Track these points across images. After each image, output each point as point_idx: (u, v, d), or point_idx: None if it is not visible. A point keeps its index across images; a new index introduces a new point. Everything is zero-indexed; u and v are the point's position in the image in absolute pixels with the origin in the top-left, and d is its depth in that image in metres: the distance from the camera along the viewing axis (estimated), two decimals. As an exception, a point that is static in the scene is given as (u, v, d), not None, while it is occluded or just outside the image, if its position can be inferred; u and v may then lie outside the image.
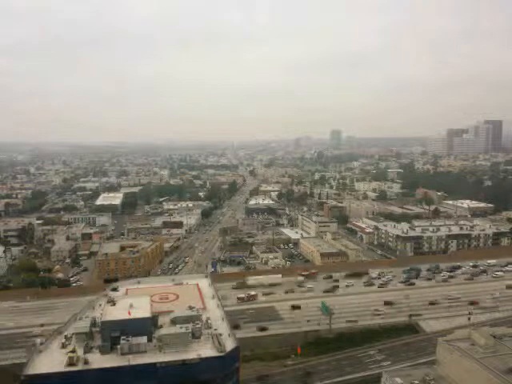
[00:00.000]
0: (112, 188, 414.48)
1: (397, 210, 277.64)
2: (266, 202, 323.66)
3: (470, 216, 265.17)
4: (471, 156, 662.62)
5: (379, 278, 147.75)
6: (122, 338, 56.88)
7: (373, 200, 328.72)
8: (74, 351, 56.23)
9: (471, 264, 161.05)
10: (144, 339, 57.54)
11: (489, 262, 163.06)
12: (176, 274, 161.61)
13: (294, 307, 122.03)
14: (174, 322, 63.42)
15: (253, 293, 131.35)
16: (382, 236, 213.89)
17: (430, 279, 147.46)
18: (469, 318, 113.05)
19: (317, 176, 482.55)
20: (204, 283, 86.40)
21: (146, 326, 59.65)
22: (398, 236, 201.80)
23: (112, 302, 67.22)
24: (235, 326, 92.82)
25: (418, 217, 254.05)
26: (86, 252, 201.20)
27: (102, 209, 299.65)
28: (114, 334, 57.58)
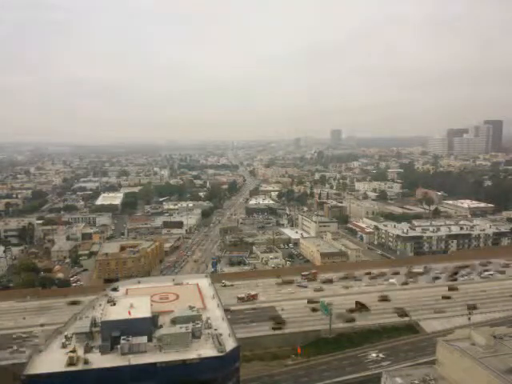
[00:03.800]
0: (112, 188, 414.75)
1: (397, 209, 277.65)
2: (266, 201, 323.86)
3: (470, 216, 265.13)
4: (471, 156, 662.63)
5: None
6: (122, 337, 56.86)
7: (373, 200, 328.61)
8: (74, 351, 56.22)
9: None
10: (144, 339, 57.52)
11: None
12: (176, 273, 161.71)
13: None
14: (174, 321, 63.40)
15: (253, 292, 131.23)
16: (382, 236, 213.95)
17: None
18: (469, 318, 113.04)
19: (317, 176, 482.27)
20: (204, 283, 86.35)
21: (146, 326, 59.62)
22: (398, 236, 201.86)
23: (112, 302, 67.20)
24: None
25: (418, 217, 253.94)
26: (86, 252, 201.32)
27: (102, 209, 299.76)
28: (114, 334, 57.57)
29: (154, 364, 54.19)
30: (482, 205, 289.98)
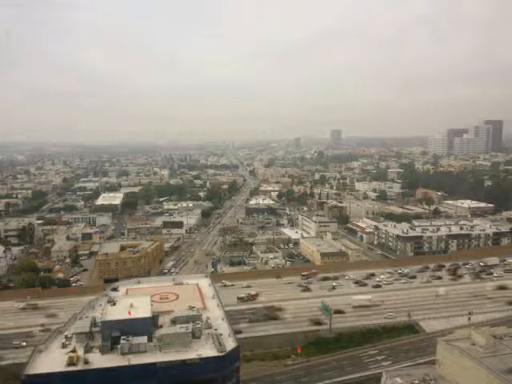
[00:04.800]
0: (112, 188, 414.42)
1: (397, 209, 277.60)
2: (266, 201, 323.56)
3: (469, 216, 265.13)
4: (471, 156, 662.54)
5: None
6: (122, 337, 56.95)
7: (373, 200, 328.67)
8: (74, 351, 56.31)
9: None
10: (144, 339, 57.60)
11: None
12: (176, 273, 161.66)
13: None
14: (174, 321, 63.49)
15: (253, 292, 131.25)
16: (382, 236, 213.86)
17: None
18: (469, 318, 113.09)
19: (317, 176, 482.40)
20: (204, 283, 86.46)
21: (146, 326, 59.70)
22: (398, 236, 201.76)
23: (112, 302, 67.29)
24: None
25: (418, 217, 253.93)
26: (86, 252, 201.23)
27: (102, 209, 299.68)
28: (114, 334, 57.65)
29: (154, 364, 54.27)
30: (482, 205, 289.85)
